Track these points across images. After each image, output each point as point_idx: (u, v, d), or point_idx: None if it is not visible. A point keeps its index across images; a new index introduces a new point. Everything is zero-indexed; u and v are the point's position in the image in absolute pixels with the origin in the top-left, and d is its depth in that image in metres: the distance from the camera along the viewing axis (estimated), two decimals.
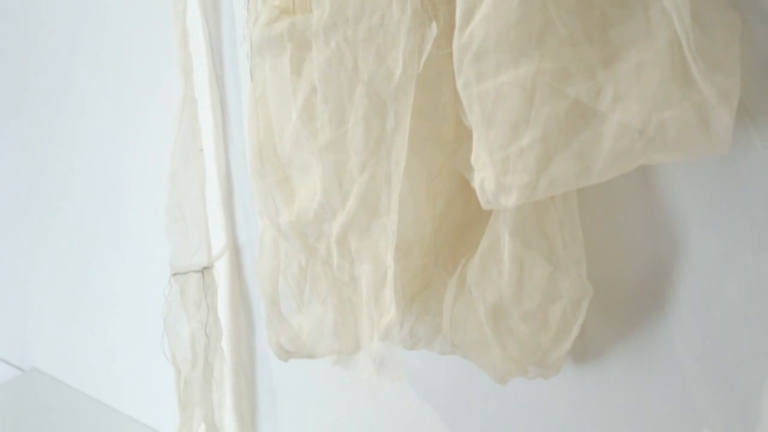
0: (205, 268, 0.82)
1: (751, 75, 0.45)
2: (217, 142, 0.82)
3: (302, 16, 0.57)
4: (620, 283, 0.56)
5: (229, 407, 0.91)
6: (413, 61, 0.50)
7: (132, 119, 0.93)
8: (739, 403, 0.53)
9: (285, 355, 0.66)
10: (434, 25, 0.49)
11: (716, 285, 0.51)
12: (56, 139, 1.05)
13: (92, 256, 1.06)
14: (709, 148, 0.41)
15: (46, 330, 1.22)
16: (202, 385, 0.85)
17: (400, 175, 0.53)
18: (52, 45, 1.00)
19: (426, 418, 0.72)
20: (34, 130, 1.09)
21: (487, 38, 0.44)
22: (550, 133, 0.43)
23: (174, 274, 0.81)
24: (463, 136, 0.52)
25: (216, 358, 0.86)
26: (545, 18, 0.43)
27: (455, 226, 0.58)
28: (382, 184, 0.54)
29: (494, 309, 0.54)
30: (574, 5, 0.43)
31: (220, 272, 0.84)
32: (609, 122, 0.42)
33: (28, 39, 1.04)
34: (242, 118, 0.79)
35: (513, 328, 0.54)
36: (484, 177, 0.46)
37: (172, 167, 0.80)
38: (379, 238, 0.56)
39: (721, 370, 0.53)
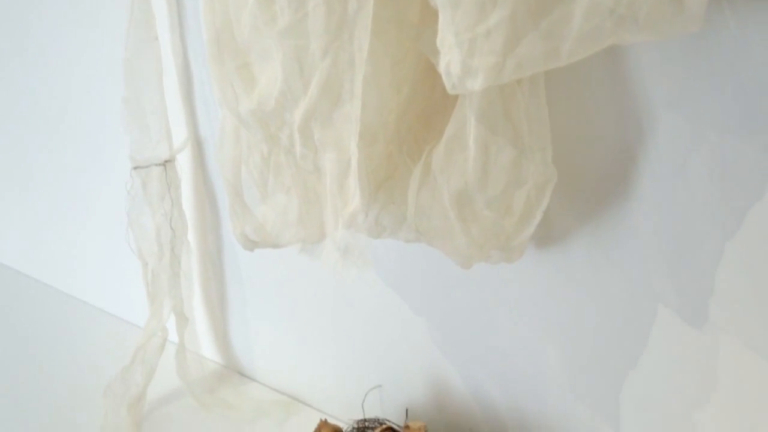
0: (166, 161, 0.80)
1: None
2: (173, 29, 0.79)
3: None
4: (585, 167, 0.56)
5: (198, 298, 0.91)
6: None
7: (83, 9, 0.89)
8: (694, 281, 0.54)
9: (250, 245, 0.66)
10: None
11: (680, 167, 0.52)
12: (5, 32, 1.01)
13: (53, 148, 1.04)
14: (682, 25, 0.40)
15: (10, 226, 1.20)
16: (169, 277, 0.85)
17: (364, 60, 0.52)
18: None
19: (392, 304, 0.73)
20: None
21: None
22: (518, 12, 0.42)
23: (135, 168, 0.80)
24: (429, 18, 0.50)
25: (182, 251, 0.86)
26: None
27: (420, 113, 0.57)
28: (344, 70, 0.53)
29: (459, 195, 0.54)
30: None
31: (182, 166, 0.83)
32: (579, 1, 0.41)
33: None
34: (197, 3, 0.76)
35: (477, 213, 0.54)
36: (449, 60, 0.45)
37: (126, 56, 0.77)
38: (342, 126, 0.55)
39: (679, 251, 0.54)
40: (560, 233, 0.59)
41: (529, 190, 0.53)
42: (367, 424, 0.75)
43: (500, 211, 0.54)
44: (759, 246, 0.51)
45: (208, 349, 0.95)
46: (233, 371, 0.94)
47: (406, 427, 0.71)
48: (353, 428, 0.75)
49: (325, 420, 0.73)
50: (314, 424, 0.72)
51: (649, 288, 0.56)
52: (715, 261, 0.53)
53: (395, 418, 0.75)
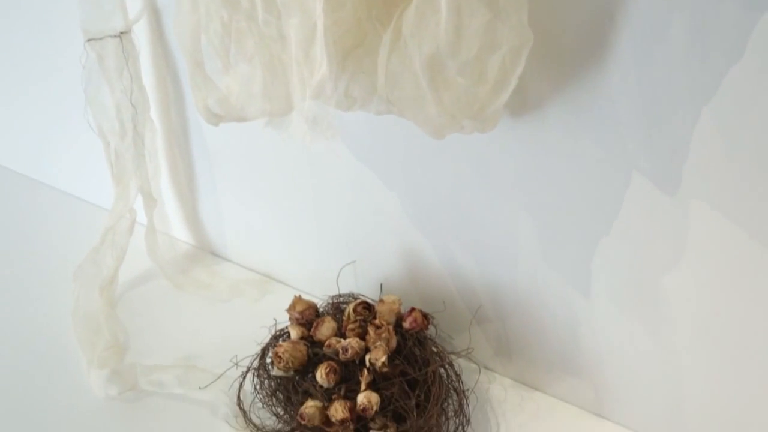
0: (122, 32, 0.76)
1: None
2: None
3: None
4: (562, 30, 0.54)
5: (165, 178, 0.89)
6: None
7: None
8: (668, 147, 0.54)
9: (214, 119, 0.64)
10: None
11: (660, 29, 0.50)
12: None
13: (1, 28, 0.98)
14: None
15: None
16: (134, 157, 0.83)
17: None
18: None
19: (364, 178, 0.72)
20: None
21: None
22: None
23: (88, 40, 0.76)
24: None
25: (146, 129, 0.83)
26: None
27: None
28: None
29: (430, 61, 0.51)
30: None
31: (140, 37, 0.79)
32: None
33: None
34: None
35: (450, 80, 0.52)
36: None
37: None
38: None
39: (655, 116, 0.53)
40: (535, 101, 0.58)
41: (503, 54, 0.51)
42: (341, 299, 0.76)
43: (473, 77, 0.52)
44: (735, 109, 0.50)
45: (178, 230, 0.94)
46: (206, 251, 0.93)
47: (381, 301, 0.71)
48: (328, 304, 0.75)
49: (300, 296, 0.73)
50: (289, 301, 0.72)
51: (624, 154, 0.56)
52: (690, 126, 0.52)
53: (370, 293, 0.75)
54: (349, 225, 0.78)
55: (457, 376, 0.70)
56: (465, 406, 0.69)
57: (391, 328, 0.68)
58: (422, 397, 0.66)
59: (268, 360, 0.70)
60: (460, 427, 0.68)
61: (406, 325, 0.70)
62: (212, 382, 0.72)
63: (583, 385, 0.71)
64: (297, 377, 0.68)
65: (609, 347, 0.67)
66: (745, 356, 0.59)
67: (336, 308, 0.74)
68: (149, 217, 0.86)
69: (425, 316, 0.70)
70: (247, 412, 0.69)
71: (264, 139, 0.76)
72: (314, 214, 0.80)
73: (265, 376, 0.70)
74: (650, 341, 0.64)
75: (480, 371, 0.75)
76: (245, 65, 0.59)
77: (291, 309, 0.72)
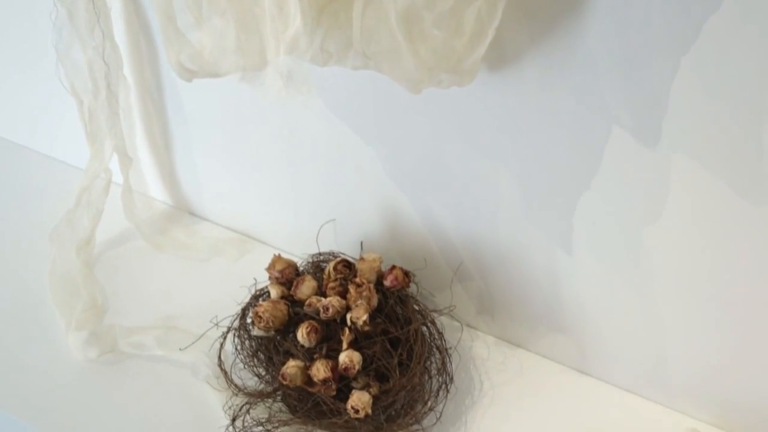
0: None
1: None
2: None
3: None
4: None
5: (141, 137, 0.88)
6: None
7: None
8: (647, 99, 0.53)
9: (187, 74, 0.62)
10: None
11: None
12: None
13: None
14: None
15: None
16: (108, 116, 0.81)
17: None
18: None
19: (342, 136, 0.71)
20: None
21: None
22: None
23: None
24: None
25: (119, 87, 0.81)
26: None
27: None
28: None
29: (406, 13, 0.50)
30: None
31: None
32: None
33: None
34: None
35: (426, 33, 0.51)
36: None
37: None
38: None
39: (634, 68, 0.52)
40: (513, 54, 0.56)
41: (479, 6, 0.49)
42: (321, 258, 0.75)
43: (450, 29, 0.50)
44: (714, 60, 0.49)
45: (155, 190, 0.92)
46: (183, 211, 0.92)
47: (361, 259, 0.71)
48: (308, 263, 0.74)
49: (279, 255, 0.72)
50: (269, 261, 0.71)
51: (603, 107, 0.55)
52: (669, 78, 0.51)
53: (350, 252, 0.75)
54: (328, 183, 0.76)
55: (440, 334, 0.70)
56: (448, 365, 0.69)
57: (371, 286, 0.67)
58: (405, 355, 0.66)
59: (249, 320, 0.69)
60: (444, 386, 0.68)
61: (387, 283, 0.69)
62: (192, 343, 0.72)
63: (566, 342, 0.71)
64: (278, 337, 0.68)
65: (591, 303, 0.67)
66: (725, 307, 0.59)
67: (316, 267, 0.73)
68: (125, 176, 0.85)
69: (406, 273, 0.70)
70: (228, 373, 0.68)
71: (240, 95, 0.74)
72: (292, 172, 0.78)
73: (246, 336, 0.69)
74: (632, 295, 0.63)
75: (462, 329, 0.75)
76: (218, 19, 0.57)
77: (270, 268, 0.71)
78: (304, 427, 0.65)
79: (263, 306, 0.67)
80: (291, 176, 0.79)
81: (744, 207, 0.54)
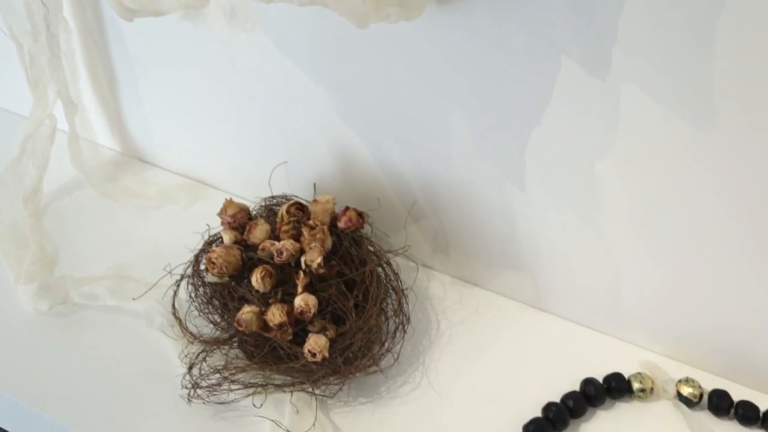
0: None
1: None
2: None
3: None
4: None
5: (85, 81, 0.85)
6: None
7: None
8: (597, 29, 0.52)
9: (128, 14, 0.59)
10: None
11: None
12: None
13: None
14: None
15: None
16: (49, 60, 0.78)
17: None
18: None
19: (290, 75, 0.69)
20: None
21: None
22: None
23: None
24: None
25: (60, 29, 0.78)
26: None
27: None
28: None
29: None
30: None
31: None
32: None
33: None
34: None
35: None
36: None
37: None
38: None
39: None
40: None
41: None
42: (274, 201, 0.74)
43: None
44: None
45: (103, 137, 0.90)
46: (133, 158, 0.89)
47: (314, 201, 0.69)
48: (260, 206, 0.73)
49: (231, 199, 0.70)
50: (221, 206, 0.70)
51: (553, 39, 0.54)
52: (619, 6, 0.50)
53: (303, 194, 0.73)
54: (278, 125, 0.75)
55: (396, 275, 0.69)
56: (404, 305, 0.68)
57: (325, 228, 0.66)
58: (360, 297, 0.65)
59: (202, 267, 0.68)
60: (401, 326, 0.67)
61: (341, 224, 0.68)
62: (146, 292, 0.71)
63: (522, 279, 0.71)
64: (232, 283, 0.67)
65: (546, 239, 0.66)
66: (676, 240, 0.60)
67: (269, 211, 0.72)
68: (70, 123, 0.82)
69: (360, 214, 0.69)
70: (183, 321, 0.67)
71: (185, 35, 0.72)
72: (242, 115, 0.76)
73: (200, 283, 0.68)
74: (586, 230, 0.63)
75: (418, 269, 0.74)
76: None
77: (222, 213, 0.69)
78: (262, 372, 0.64)
79: (216, 252, 0.66)
80: (240, 119, 0.77)
81: (695, 137, 0.53)
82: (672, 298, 0.63)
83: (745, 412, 0.61)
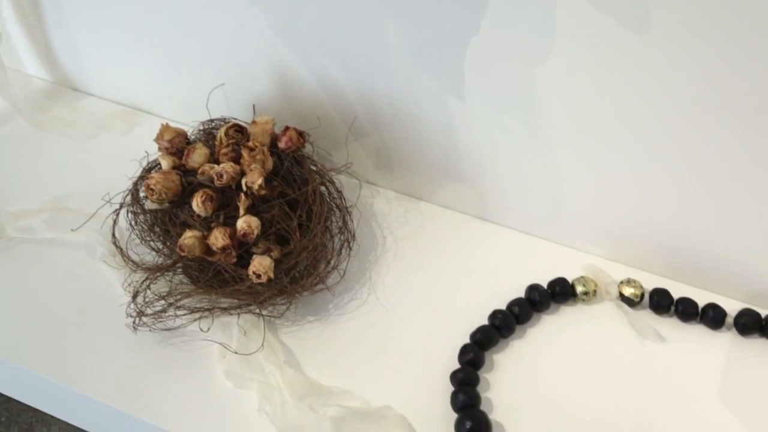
0: None
1: None
2: None
3: None
4: None
5: (8, 10, 0.81)
6: None
7: None
8: None
9: None
10: None
11: None
12: None
13: None
14: None
15: None
16: None
17: None
18: None
19: None
20: None
21: None
22: None
23: None
24: None
25: None
26: None
27: None
28: None
29: None
30: None
31: None
32: None
33: None
34: None
35: None
36: None
37: None
38: None
39: None
40: None
41: None
42: (213, 124, 0.72)
43: None
44: None
45: (31, 66, 0.86)
46: (65, 87, 0.86)
47: (253, 122, 0.68)
48: (198, 130, 0.71)
49: (167, 124, 0.68)
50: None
51: None
52: None
53: (242, 116, 0.72)
54: (213, 45, 0.73)
55: (339, 192, 0.69)
56: (349, 222, 0.68)
57: (265, 149, 0.65)
58: (304, 217, 0.65)
59: (142, 194, 0.67)
60: (346, 244, 0.67)
61: (282, 145, 0.67)
62: (84, 223, 0.69)
63: (466, 191, 0.71)
64: (173, 209, 0.66)
65: (488, 150, 0.66)
66: (615, 144, 0.60)
67: (207, 134, 0.71)
68: None
69: (300, 134, 0.67)
70: (125, 250, 0.66)
71: None
72: (177, 37, 0.74)
73: (140, 211, 0.67)
74: (526, 139, 0.63)
75: (361, 186, 0.74)
76: None
77: (159, 138, 0.68)
78: (207, 296, 0.64)
79: (154, 178, 0.64)
80: (175, 41, 0.74)
81: (631, 42, 0.53)
82: (612, 202, 0.64)
83: (685, 308, 0.63)
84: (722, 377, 0.59)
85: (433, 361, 0.61)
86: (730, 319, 0.62)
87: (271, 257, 0.63)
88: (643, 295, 0.64)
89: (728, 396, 0.58)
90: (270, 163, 0.65)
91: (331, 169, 0.70)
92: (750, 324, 0.61)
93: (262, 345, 0.61)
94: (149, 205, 0.65)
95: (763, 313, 0.62)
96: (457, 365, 0.60)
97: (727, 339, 0.62)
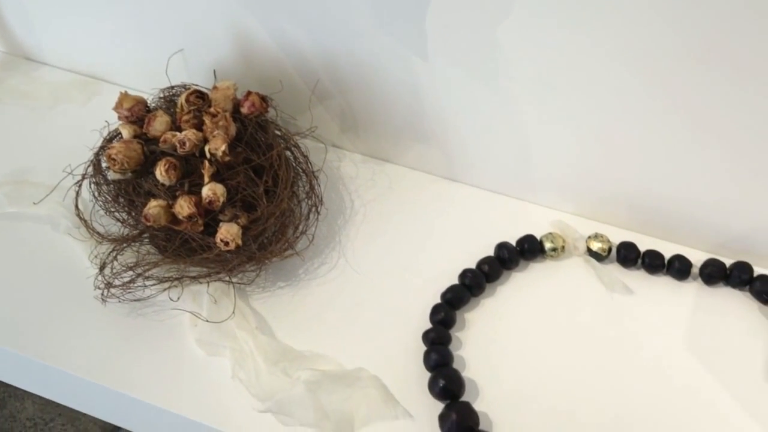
0: None
1: None
2: None
3: None
4: None
5: None
6: None
7: None
8: None
9: None
10: None
11: None
12: None
13: None
14: None
15: None
16: None
17: None
18: None
19: None
20: None
21: None
22: None
23: None
24: None
25: None
26: None
27: None
28: None
29: None
30: None
31: None
32: None
33: None
34: None
35: None
36: None
37: None
38: None
39: None
40: None
41: None
42: (174, 91, 0.70)
43: None
44: None
45: None
46: (20, 57, 0.84)
47: (214, 88, 0.67)
48: (159, 98, 0.70)
49: (126, 92, 0.67)
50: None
51: None
52: None
53: (203, 82, 0.71)
54: (171, 10, 0.71)
55: (305, 157, 0.68)
56: (316, 187, 0.68)
57: (228, 115, 0.64)
58: (270, 182, 0.64)
59: (104, 165, 0.65)
60: (313, 208, 0.67)
61: (244, 110, 0.66)
62: (46, 196, 0.68)
63: (432, 151, 0.71)
64: (136, 179, 0.65)
65: (453, 109, 0.66)
66: (580, 98, 0.60)
67: (168, 102, 0.69)
68: None
69: (263, 98, 0.66)
70: (89, 222, 0.65)
71: None
72: (131, 0, 0.72)
73: (103, 181, 0.66)
74: (492, 98, 0.63)
75: (327, 150, 0.73)
76: None
77: (118, 107, 0.66)
78: (176, 266, 0.63)
79: (116, 148, 0.63)
80: (130, 5, 0.72)
81: None
82: (578, 158, 0.64)
83: (651, 260, 0.64)
84: (688, 326, 0.60)
85: (404, 322, 0.61)
86: (695, 270, 0.63)
87: (238, 224, 0.62)
88: (610, 249, 0.65)
89: (694, 344, 0.59)
90: (233, 129, 0.64)
91: (296, 133, 0.69)
92: (715, 274, 0.62)
93: (233, 312, 0.60)
94: (112, 175, 0.64)
95: (728, 262, 0.63)
96: (428, 325, 0.60)
97: (693, 289, 0.63)
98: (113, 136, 0.68)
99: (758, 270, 0.63)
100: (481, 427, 0.54)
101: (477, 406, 0.55)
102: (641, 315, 0.61)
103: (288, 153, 0.67)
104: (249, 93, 0.66)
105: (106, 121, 0.69)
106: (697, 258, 0.64)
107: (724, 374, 0.57)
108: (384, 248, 0.67)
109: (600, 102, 0.59)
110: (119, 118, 0.66)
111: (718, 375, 0.57)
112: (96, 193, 0.65)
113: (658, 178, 0.62)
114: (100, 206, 0.65)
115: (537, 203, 0.69)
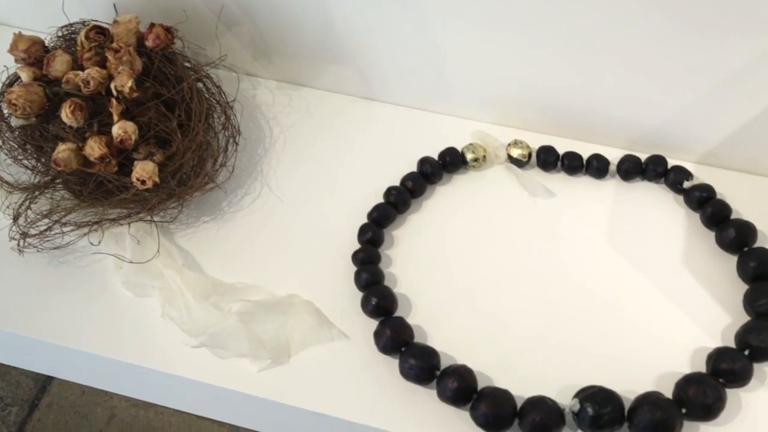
0: None
1: None
2: None
3: None
4: None
5: None
6: None
7: None
8: None
9: None
10: None
11: None
12: None
13: None
14: None
15: None
16: None
17: None
18: None
19: None
20: None
21: None
22: None
23: None
24: None
25: None
26: None
27: None
28: None
29: None
30: None
31: None
32: None
33: None
34: None
35: None
36: None
37: None
38: None
39: None
40: None
41: None
42: (72, 29, 0.67)
43: None
44: None
45: None
46: None
47: (115, 22, 0.64)
48: (57, 37, 0.67)
49: (20, 33, 0.64)
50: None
51: None
52: None
53: (103, 17, 0.67)
54: None
55: (218, 87, 0.66)
56: (232, 117, 0.66)
57: (131, 49, 0.61)
58: (184, 116, 0.62)
59: (6, 111, 0.62)
60: (231, 139, 0.65)
61: (149, 43, 0.64)
62: None
63: (348, 72, 0.69)
64: (42, 123, 0.62)
65: (365, 28, 0.65)
66: (488, 7, 0.59)
67: (68, 40, 0.66)
68: None
69: (168, 30, 0.64)
70: None
71: None
72: None
73: (6, 128, 0.63)
74: (401, 10, 0.62)
75: (240, 79, 0.72)
76: None
77: (13, 49, 0.63)
78: (93, 209, 0.61)
79: (15, 92, 0.60)
80: None
81: None
82: (491, 66, 0.64)
83: (570, 162, 0.64)
84: (610, 221, 0.62)
85: (333, 245, 0.61)
86: (613, 167, 0.64)
87: (154, 161, 0.60)
88: (530, 155, 0.65)
89: (616, 238, 0.61)
90: (139, 64, 0.62)
91: (206, 63, 0.67)
92: (632, 169, 0.64)
93: (158, 251, 0.59)
94: (15, 121, 0.61)
95: (643, 157, 0.64)
96: (357, 245, 0.60)
97: (611, 186, 0.65)
98: (12, 81, 0.65)
99: (672, 161, 0.64)
100: (416, 339, 0.55)
101: (410, 320, 0.56)
102: (564, 216, 0.63)
103: (200, 85, 0.65)
104: (152, 25, 0.64)
105: (4, 66, 0.65)
106: (614, 156, 0.65)
107: (646, 263, 0.59)
108: (307, 173, 0.66)
109: (508, 6, 0.59)
110: (16, 60, 0.63)
111: (640, 264, 0.59)
112: (0, 142, 0.63)
113: (569, 79, 0.63)
114: (6, 154, 0.63)
115: (456, 115, 0.69)
